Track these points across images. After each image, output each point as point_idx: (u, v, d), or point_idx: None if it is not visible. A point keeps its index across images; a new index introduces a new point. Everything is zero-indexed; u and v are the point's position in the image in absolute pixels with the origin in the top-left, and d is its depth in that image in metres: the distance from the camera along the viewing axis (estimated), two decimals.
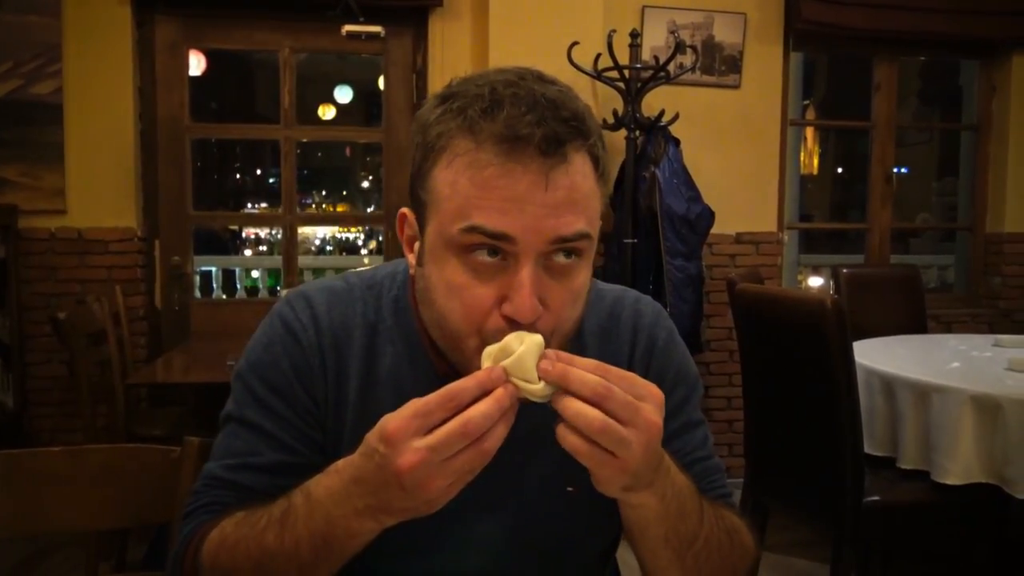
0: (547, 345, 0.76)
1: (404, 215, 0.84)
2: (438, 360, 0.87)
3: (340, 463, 0.72)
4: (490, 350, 0.71)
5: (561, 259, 0.76)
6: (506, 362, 0.68)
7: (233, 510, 0.80)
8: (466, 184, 0.74)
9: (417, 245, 0.82)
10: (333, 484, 0.72)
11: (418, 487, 0.65)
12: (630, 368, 0.92)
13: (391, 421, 0.66)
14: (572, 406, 0.66)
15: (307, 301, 0.90)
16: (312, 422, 0.87)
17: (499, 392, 0.66)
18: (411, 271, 0.85)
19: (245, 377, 0.88)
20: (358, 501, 0.69)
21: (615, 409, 0.66)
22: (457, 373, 0.86)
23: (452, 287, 0.76)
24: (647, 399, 0.68)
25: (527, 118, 0.72)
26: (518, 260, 0.74)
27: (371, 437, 0.68)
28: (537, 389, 0.67)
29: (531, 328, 0.74)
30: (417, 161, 0.79)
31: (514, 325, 0.74)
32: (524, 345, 0.69)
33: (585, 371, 0.67)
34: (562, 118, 0.74)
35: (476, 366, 0.73)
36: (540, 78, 0.78)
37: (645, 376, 0.93)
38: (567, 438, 0.66)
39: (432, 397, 0.65)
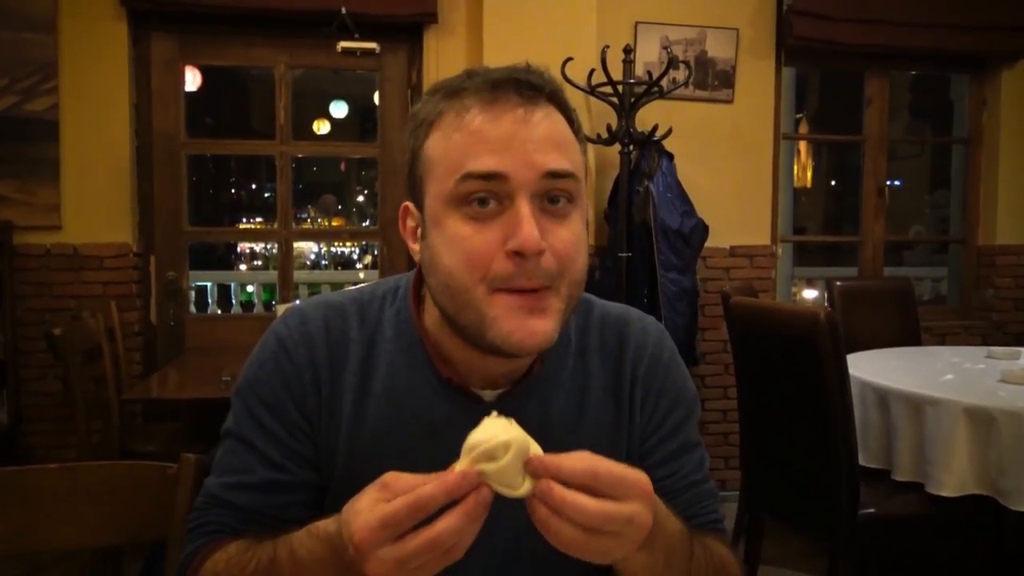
0: (557, 292, 0.78)
1: (406, 207, 0.88)
2: (442, 366, 0.88)
3: (320, 527, 0.73)
4: (472, 440, 0.65)
5: (554, 204, 0.79)
6: (487, 468, 0.64)
7: (228, 539, 0.85)
8: (455, 136, 0.79)
9: (419, 230, 0.85)
10: (316, 550, 0.73)
11: None
12: (632, 385, 0.95)
13: (359, 531, 0.64)
14: (575, 500, 0.64)
15: (301, 318, 0.91)
16: (303, 439, 0.89)
17: (470, 502, 0.63)
18: (415, 259, 0.87)
19: (242, 394, 0.91)
20: (342, 571, 0.69)
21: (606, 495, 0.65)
22: (461, 380, 0.88)
23: (455, 240, 0.79)
24: (635, 499, 0.66)
25: (501, 73, 0.80)
26: (513, 199, 0.77)
27: (344, 530, 0.67)
28: (519, 494, 0.65)
29: (537, 267, 0.76)
30: (411, 147, 0.84)
31: (521, 261, 0.76)
32: (510, 454, 0.64)
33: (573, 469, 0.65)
34: (533, 72, 0.82)
35: (489, 317, 0.76)
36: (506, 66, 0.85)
37: (647, 394, 0.95)
38: (563, 531, 0.64)
39: (400, 506, 0.63)
